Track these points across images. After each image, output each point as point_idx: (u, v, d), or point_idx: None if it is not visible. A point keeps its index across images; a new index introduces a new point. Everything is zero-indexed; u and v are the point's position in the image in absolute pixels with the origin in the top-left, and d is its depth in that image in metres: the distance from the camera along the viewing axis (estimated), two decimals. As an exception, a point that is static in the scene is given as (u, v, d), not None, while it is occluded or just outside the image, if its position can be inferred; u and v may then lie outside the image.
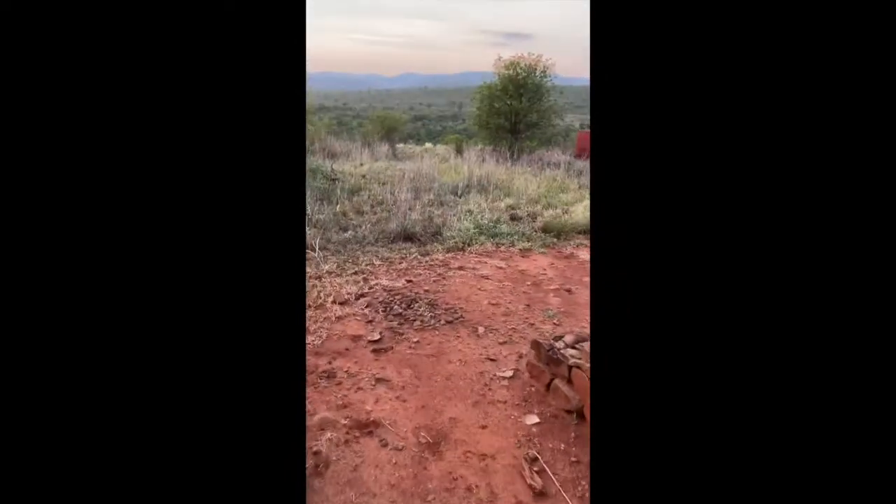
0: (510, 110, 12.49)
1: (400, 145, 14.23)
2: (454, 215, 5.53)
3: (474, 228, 4.90)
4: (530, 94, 12.53)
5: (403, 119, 16.45)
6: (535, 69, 12.60)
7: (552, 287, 3.53)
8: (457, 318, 2.93)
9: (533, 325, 2.90)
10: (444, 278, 3.59)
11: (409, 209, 5.66)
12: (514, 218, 5.70)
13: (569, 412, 2.06)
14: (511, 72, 12.47)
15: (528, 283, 3.60)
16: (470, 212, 5.71)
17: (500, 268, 3.91)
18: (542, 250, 4.44)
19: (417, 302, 3.12)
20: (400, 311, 3.00)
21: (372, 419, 2.01)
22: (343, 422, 1.95)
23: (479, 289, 3.42)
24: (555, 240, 4.83)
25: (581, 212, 6.02)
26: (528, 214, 5.83)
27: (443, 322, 2.88)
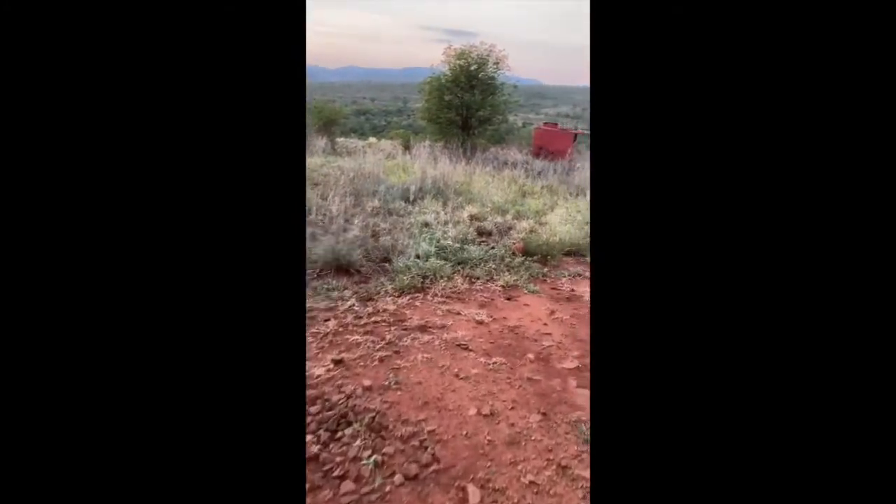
0: (462, 104, 11.10)
1: (340, 139, 12.44)
2: (406, 229, 4.06)
3: (436, 252, 3.46)
4: (483, 86, 11.22)
5: (344, 111, 14.52)
6: (487, 61, 11.31)
7: (568, 363, 2.17)
8: (426, 466, 1.48)
9: (565, 468, 1.53)
10: (398, 354, 2.13)
11: (347, 222, 4.12)
12: (482, 233, 4.32)
13: None
14: (462, 62, 11.09)
15: (531, 356, 2.22)
16: (427, 225, 4.25)
17: (482, 323, 2.51)
18: (533, 287, 3.09)
19: (351, 422, 1.63)
20: (316, 449, 1.52)
21: None
22: None
23: (457, 375, 2.00)
24: (542, 268, 3.50)
25: (558, 223, 4.76)
26: (499, 228, 4.48)
27: (398, 481, 1.42)
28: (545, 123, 13.61)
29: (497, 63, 11.36)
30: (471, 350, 2.21)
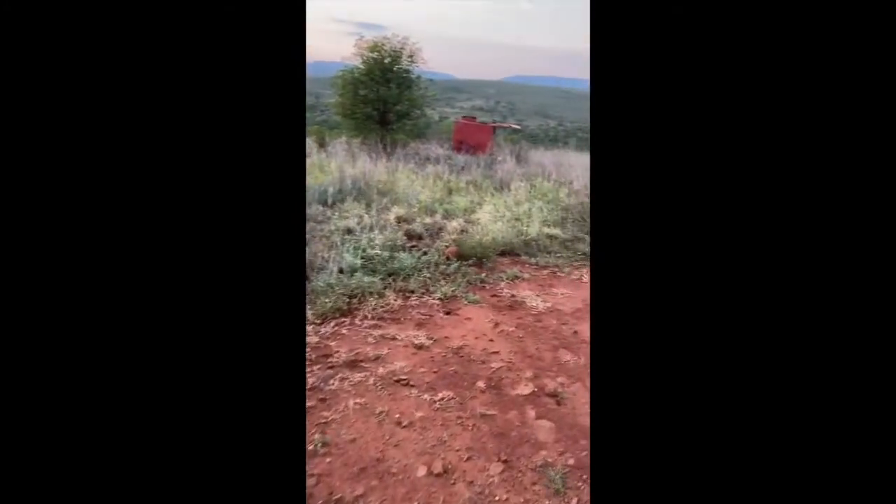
0: (378, 98, 10.59)
1: (248, 137, 11.33)
2: (326, 238, 3.60)
3: (362, 264, 3.06)
4: (399, 80, 10.79)
5: (251, 106, 13.30)
6: (401, 54, 10.89)
7: (522, 388, 1.92)
8: (370, 570, 1.14)
9: (541, 535, 1.26)
10: (324, 402, 1.73)
11: (256, 234, 3.56)
12: (411, 236, 3.98)
13: None
14: (376, 55, 10.57)
15: (481, 384, 1.93)
16: (350, 232, 3.82)
17: (422, 347, 2.18)
18: (473, 297, 2.81)
19: (265, 518, 1.24)
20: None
21: None
22: None
23: (399, 423, 1.65)
24: (479, 272, 3.25)
25: (488, 221, 4.57)
26: (429, 230, 4.16)
27: None
28: (464, 117, 13.52)
29: (411, 56, 10.99)
30: (412, 385, 1.87)
